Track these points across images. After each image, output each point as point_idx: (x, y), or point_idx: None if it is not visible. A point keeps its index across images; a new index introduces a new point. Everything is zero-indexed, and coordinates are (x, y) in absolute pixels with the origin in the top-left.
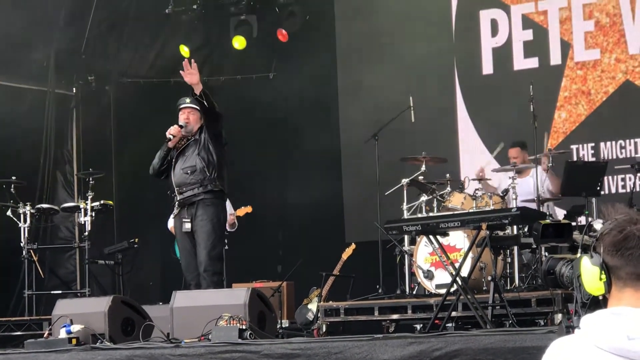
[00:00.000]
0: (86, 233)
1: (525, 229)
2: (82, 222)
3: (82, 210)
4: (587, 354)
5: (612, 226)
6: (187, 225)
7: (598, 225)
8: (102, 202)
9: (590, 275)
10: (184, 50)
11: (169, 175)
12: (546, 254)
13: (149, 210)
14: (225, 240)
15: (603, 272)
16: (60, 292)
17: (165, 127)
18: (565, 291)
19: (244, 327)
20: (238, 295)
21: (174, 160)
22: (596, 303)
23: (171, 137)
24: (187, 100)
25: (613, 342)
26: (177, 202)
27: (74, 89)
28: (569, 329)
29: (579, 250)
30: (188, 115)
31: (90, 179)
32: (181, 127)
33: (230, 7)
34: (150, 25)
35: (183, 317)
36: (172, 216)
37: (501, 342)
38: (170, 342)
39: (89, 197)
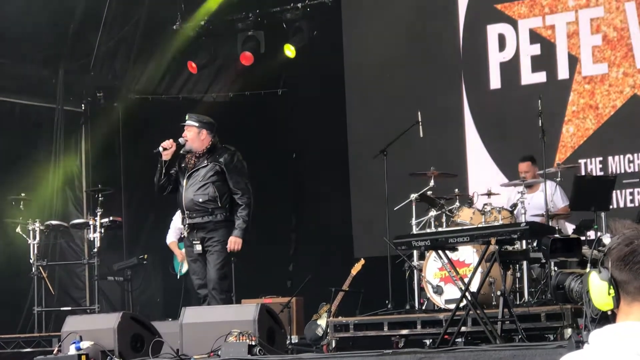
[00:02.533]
0: (95, 249)
1: (534, 244)
2: (91, 239)
3: (91, 226)
4: None
5: (620, 241)
6: (198, 247)
7: (607, 239)
8: (111, 218)
9: (598, 290)
10: (192, 67)
11: (178, 194)
12: (555, 268)
13: (158, 227)
14: (232, 258)
15: (611, 286)
16: (69, 308)
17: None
18: (574, 306)
19: (253, 343)
20: (247, 311)
21: (184, 180)
22: (605, 318)
23: (160, 149)
24: (186, 117)
25: (619, 357)
26: (186, 225)
27: (83, 105)
28: (579, 344)
29: (588, 265)
30: (186, 133)
31: (100, 195)
32: (178, 143)
33: (237, 23)
34: (158, 41)
35: (192, 333)
36: (174, 234)
37: (511, 357)
38: (180, 358)
39: (98, 214)
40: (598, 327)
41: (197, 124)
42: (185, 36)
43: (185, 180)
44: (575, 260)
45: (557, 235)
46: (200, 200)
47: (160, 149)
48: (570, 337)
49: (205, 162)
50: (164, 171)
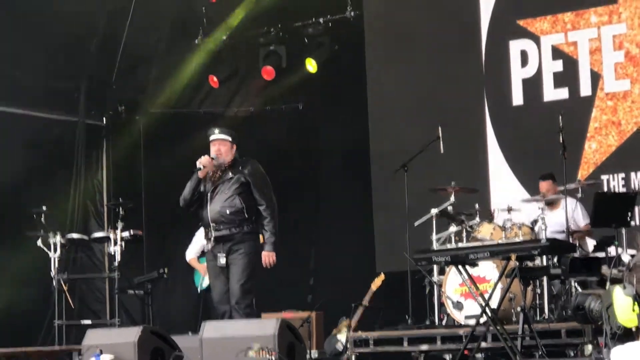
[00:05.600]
0: (116, 263)
1: (555, 260)
2: (112, 252)
3: (112, 240)
4: None
5: None
6: (222, 261)
7: (627, 258)
8: (132, 232)
9: (623, 306)
10: (214, 81)
11: (203, 208)
12: (576, 284)
13: (179, 240)
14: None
15: (636, 303)
16: (89, 322)
17: (196, 157)
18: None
19: (273, 358)
20: (268, 326)
21: (209, 193)
22: (628, 334)
23: (201, 167)
24: (217, 130)
25: None
26: (212, 237)
27: (104, 119)
28: None
29: (607, 283)
30: (219, 147)
31: (120, 209)
32: (212, 158)
33: (259, 38)
34: (180, 55)
35: (212, 348)
36: (194, 251)
37: None
38: None
39: (119, 227)
40: (618, 343)
41: (230, 138)
42: (207, 50)
43: (210, 193)
44: (594, 279)
45: (576, 255)
46: (228, 212)
47: (200, 166)
48: (591, 354)
49: (230, 174)
50: (198, 188)
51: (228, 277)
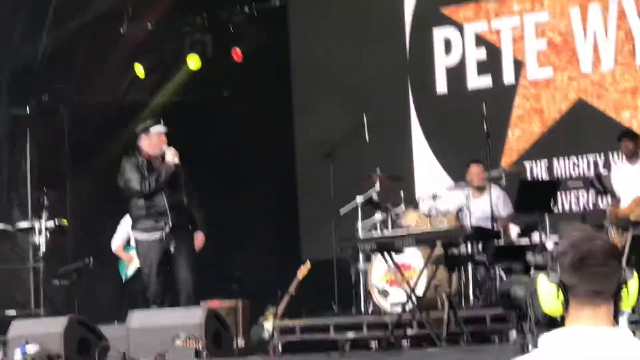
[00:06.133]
0: (40, 253)
1: (480, 247)
2: (37, 242)
3: (36, 230)
4: None
5: (569, 244)
6: (172, 249)
7: (550, 244)
8: (56, 221)
9: (547, 294)
10: (139, 70)
11: (159, 197)
12: (501, 271)
13: (104, 230)
14: None
15: (560, 290)
16: (14, 312)
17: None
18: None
19: (200, 347)
20: (194, 314)
21: (161, 183)
22: (551, 322)
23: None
24: (162, 122)
25: None
26: (168, 227)
27: (28, 108)
28: (523, 347)
29: (532, 270)
30: (164, 139)
31: (45, 199)
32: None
33: (185, 27)
34: (105, 44)
35: (139, 337)
36: (120, 239)
37: (456, 359)
38: None
39: (43, 217)
40: (545, 330)
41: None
42: (132, 39)
43: (162, 183)
44: (519, 266)
45: (501, 241)
46: (178, 201)
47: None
48: (515, 340)
49: (176, 171)
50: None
51: (174, 264)
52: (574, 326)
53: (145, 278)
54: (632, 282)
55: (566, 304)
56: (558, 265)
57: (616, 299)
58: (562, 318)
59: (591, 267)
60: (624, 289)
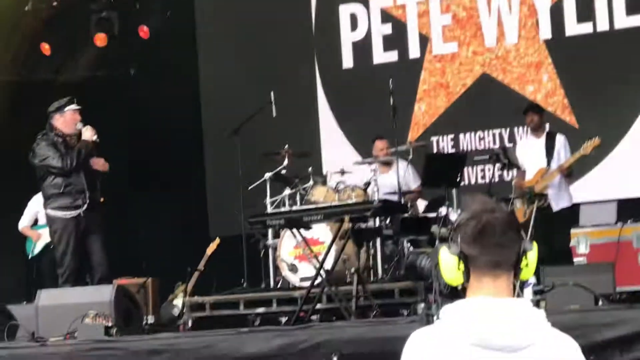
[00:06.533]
0: None
1: (388, 221)
2: None
3: None
4: (448, 344)
5: (469, 216)
6: (91, 226)
7: (454, 216)
8: None
9: (448, 265)
10: (45, 48)
11: (78, 175)
12: (408, 245)
13: (7, 210)
14: None
15: (461, 261)
16: None
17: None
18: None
19: (109, 324)
20: (103, 292)
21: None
22: (455, 292)
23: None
24: (75, 100)
25: (472, 332)
26: (85, 204)
27: None
28: (429, 318)
29: (437, 241)
30: (78, 116)
31: None
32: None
33: (90, 4)
34: (10, 21)
35: (49, 316)
36: (27, 219)
37: (365, 332)
38: (36, 341)
39: None
40: (448, 301)
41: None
42: (38, 17)
43: (80, 161)
44: (425, 238)
45: (406, 215)
46: (92, 182)
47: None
48: (422, 312)
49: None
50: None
51: (89, 243)
52: (475, 297)
53: (59, 256)
54: (532, 253)
55: (467, 275)
56: (459, 237)
57: (516, 269)
58: (464, 289)
59: (491, 238)
60: (524, 260)
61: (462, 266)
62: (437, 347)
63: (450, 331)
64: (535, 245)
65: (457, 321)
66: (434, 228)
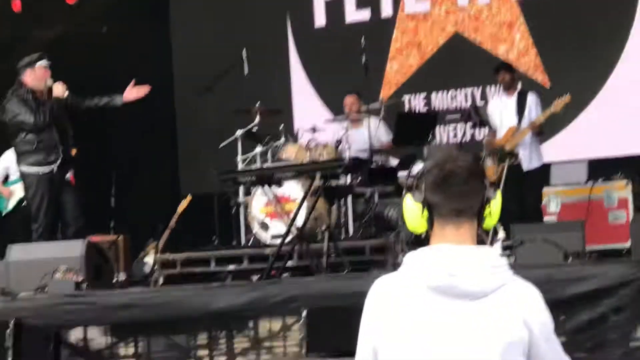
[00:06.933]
0: None
1: (359, 179)
2: None
3: None
4: (409, 290)
5: (433, 164)
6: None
7: (420, 166)
8: None
9: (412, 212)
10: (15, 5)
11: (51, 131)
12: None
13: None
14: None
15: (425, 209)
16: None
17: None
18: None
19: (80, 280)
20: (74, 247)
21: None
22: (419, 240)
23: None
24: (46, 57)
25: (434, 278)
26: (58, 160)
27: None
28: (395, 266)
29: (404, 192)
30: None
31: None
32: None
33: None
34: None
35: (19, 271)
36: (29, 170)
37: (335, 287)
38: (6, 296)
39: None
40: (412, 249)
41: None
42: None
43: (52, 116)
44: (393, 190)
45: (373, 166)
46: (65, 134)
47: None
48: (389, 262)
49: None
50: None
51: (63, 200)
52: (438, 244)
53: (33, 212)
54: (495, 202)
55: (431, 223)
56: (423, 185)
57: (479, 217)
58: (428, 237)
59: (453, 185)
60: (487, 208)
61: (426, 214)
62: (398, 293)
63: (412, 277)
64: (499, 193)
65: (418, 267)
66: (402, 178)
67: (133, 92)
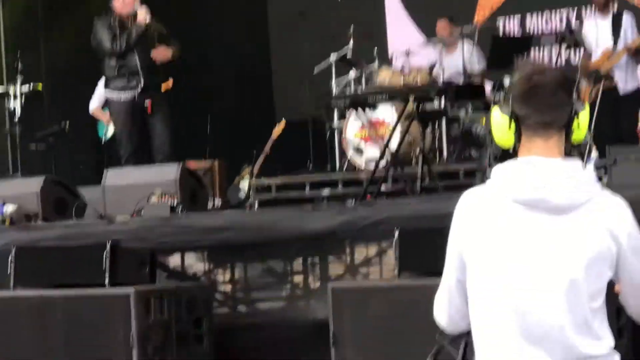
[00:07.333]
0: (16, 118)
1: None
2: (12, 108)
3: (12, 95)
4: (496, 203)
5: (521, 77)
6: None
7: (507, 81)
8: (31, 85)
9: (500, 125)
10: None
11: (132, 56)
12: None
13: (79, 93)
14: None
15: (512, 121)
16: None
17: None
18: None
19: (175, 203)
20: (169, 171)
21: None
22: (507, 154)
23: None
24: None
25: (519, 191)
26: (139, 86)
27: None
28: (483, 181)
29: (492, 107)
30: None
31: (19, 63)
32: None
33: None
34: None
35: (115, 195)
36: (98, 100)
37: (427, 209)
38: (103, 219)
39: (18, 82)
40: (500, 163)
41: None
42: None
43: (133, 42)
44: (481, 104)
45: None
46: (151, 61)
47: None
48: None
49: (140, 24)
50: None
51: (150, 126)
52: (525, 157)
53: (117, 137)
54: (583, 114)
55: (518, 135)
56: (510, 97)
57: (567, 130)
58: (515, 151)
59: (541, 97)
60: (575, 121)
61: (513, 126)
62: (485, 205)
63: (499, 190)
64: (587, 106)
65: (505, 181)
66: (489, 94)
67: (161, 52)
